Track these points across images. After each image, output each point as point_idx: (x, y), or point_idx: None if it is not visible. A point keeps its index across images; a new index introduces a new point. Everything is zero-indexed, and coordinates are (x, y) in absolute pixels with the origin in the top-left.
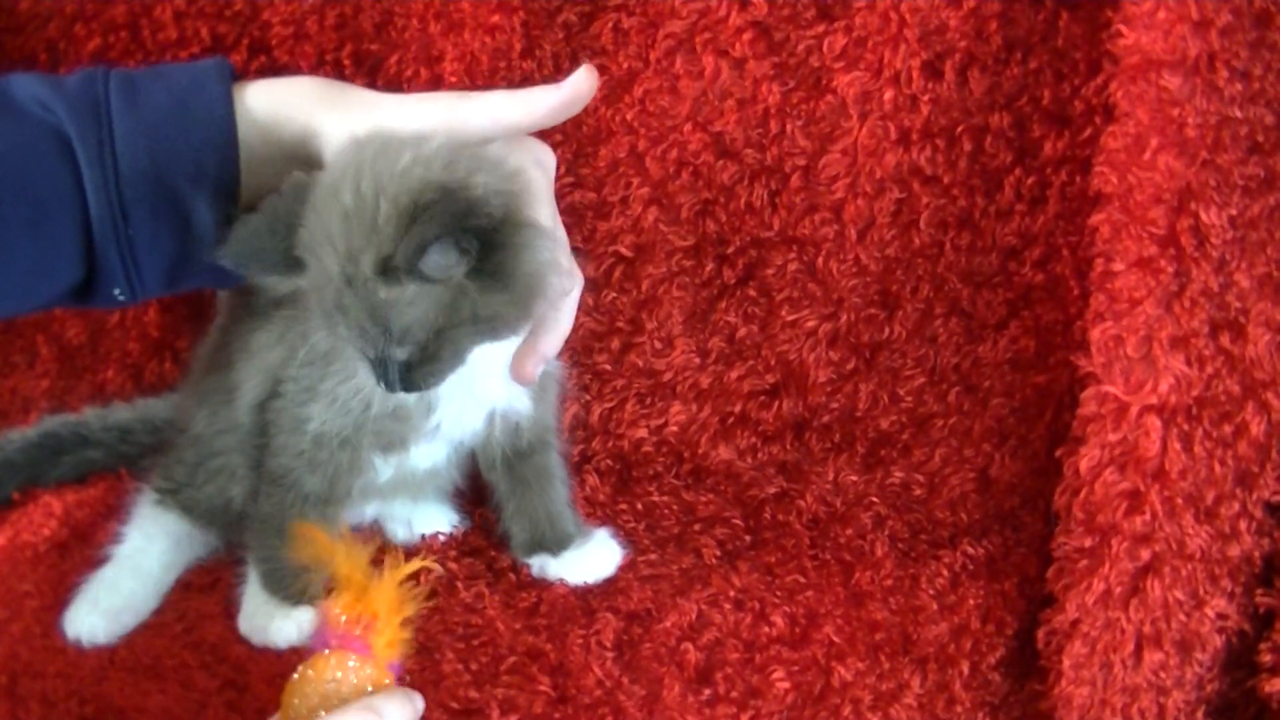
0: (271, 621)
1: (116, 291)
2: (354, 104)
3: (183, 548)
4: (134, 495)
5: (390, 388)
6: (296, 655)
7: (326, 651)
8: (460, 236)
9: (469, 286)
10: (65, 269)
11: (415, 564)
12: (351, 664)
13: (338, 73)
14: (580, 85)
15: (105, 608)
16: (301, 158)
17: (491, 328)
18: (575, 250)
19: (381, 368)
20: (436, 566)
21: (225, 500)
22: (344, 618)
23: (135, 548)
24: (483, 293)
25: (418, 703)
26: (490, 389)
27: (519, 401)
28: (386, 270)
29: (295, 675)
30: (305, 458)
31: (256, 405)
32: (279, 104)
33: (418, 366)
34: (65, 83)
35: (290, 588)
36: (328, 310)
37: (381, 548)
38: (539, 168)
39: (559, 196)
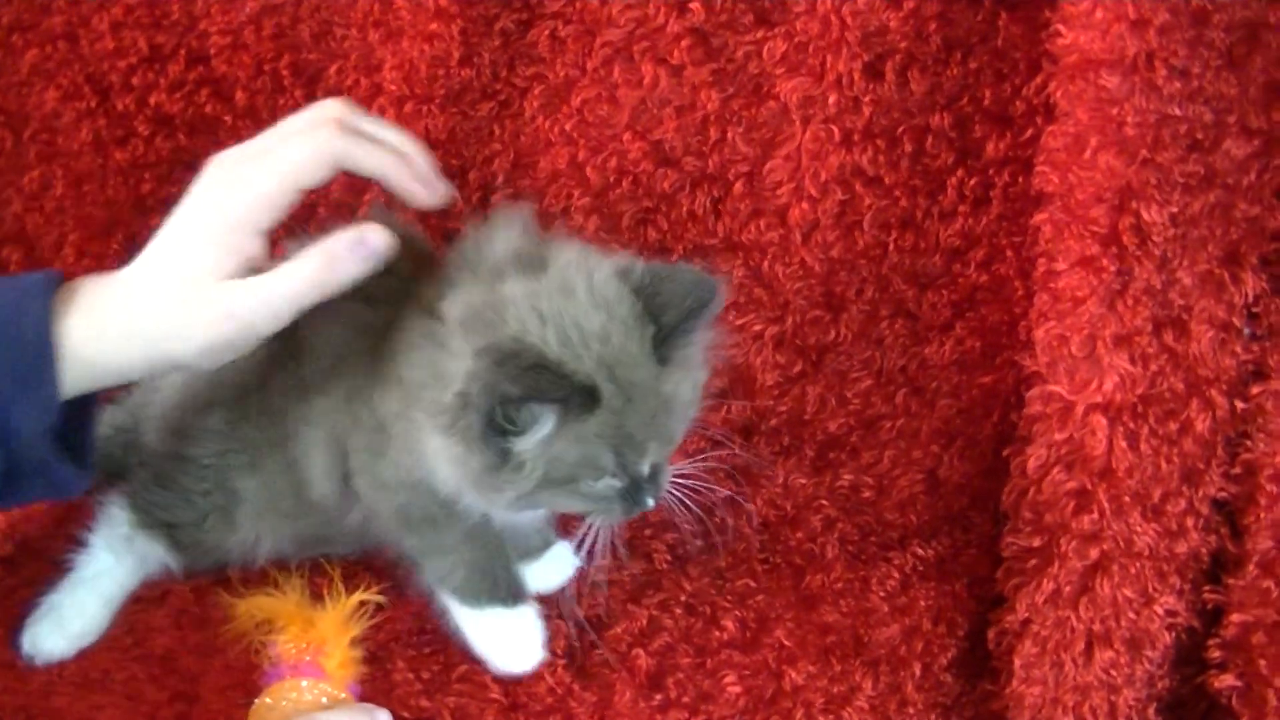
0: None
1: None
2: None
3: (147, 566)
4: (102, 510)
5: (643, 505)
6: (244, 666)
7: (282, 679)
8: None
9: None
10: None
11: (357, 596)
12: (305, 684)
13: (275, 83)
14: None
15: (70, 631)
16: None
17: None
18: None
19: (633, 488)
20: (378, 598)
21: (224, 542)
22: (292, 648)
23: (103, 568)
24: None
25: (380, 718)
26: None
27: None
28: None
29: (255, 704)
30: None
31: (332, 476)
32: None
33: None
34: None
35: (490, 584)
36: (598, 450)
37: (320, 581)
38: None
39: (498, 206)
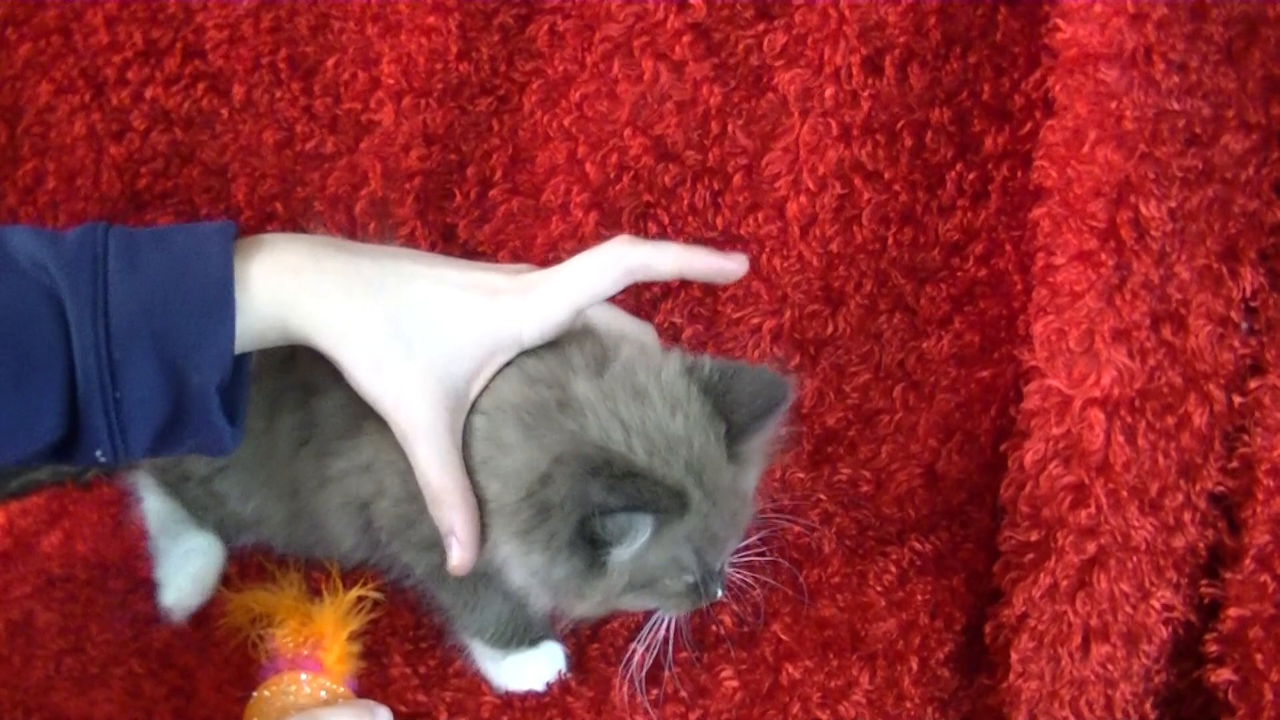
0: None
1: (98, 452)
2: (383, 287)
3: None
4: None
5: (712, 597)
6: (241, 661)
7: (280, 673)
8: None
9: None
10: (45, 427)
11: (355, 591)
12: (304, 678)
13: (273, 76)
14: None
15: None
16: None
17: None
18: None
19: (705, 581)
20: (377, 594)
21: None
22: (291, 643)
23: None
24: None
25: (380, 714)
26: None
27: None
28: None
29: (253, 697)
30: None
31: (350, 531)
32: (287, 292)
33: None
34: (62, 240)
35: (519, 633)
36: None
37: (318, 576)
38: None
39: (496, 203)
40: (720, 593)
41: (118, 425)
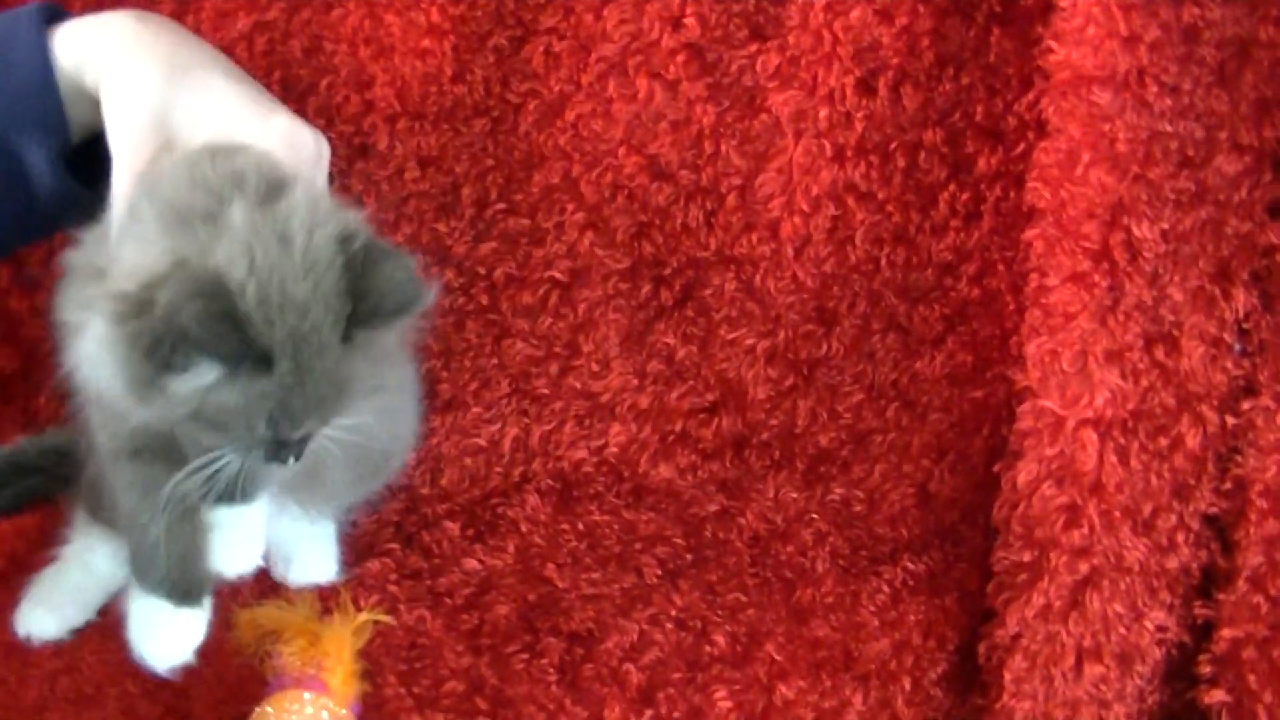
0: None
1: None
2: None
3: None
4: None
5: (282, 463)
6: (236, 680)
7: (285, 690)
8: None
9: None
10: None
11: (365, 615)
12: (307, 697)
13: None
14: None
15: (51, 602)
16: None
17: None
18: None
19: (278, 446)
20: (388, 619)
21: None
22: (297, 661)
23: (80, 546)
24: None
25: None
26: None
27: None
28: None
29: (254, 712)
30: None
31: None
32: (84, 52)
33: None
34: None
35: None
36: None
37: (328, 595)
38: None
39: (492, 223)
40: (292, 461)
41: None
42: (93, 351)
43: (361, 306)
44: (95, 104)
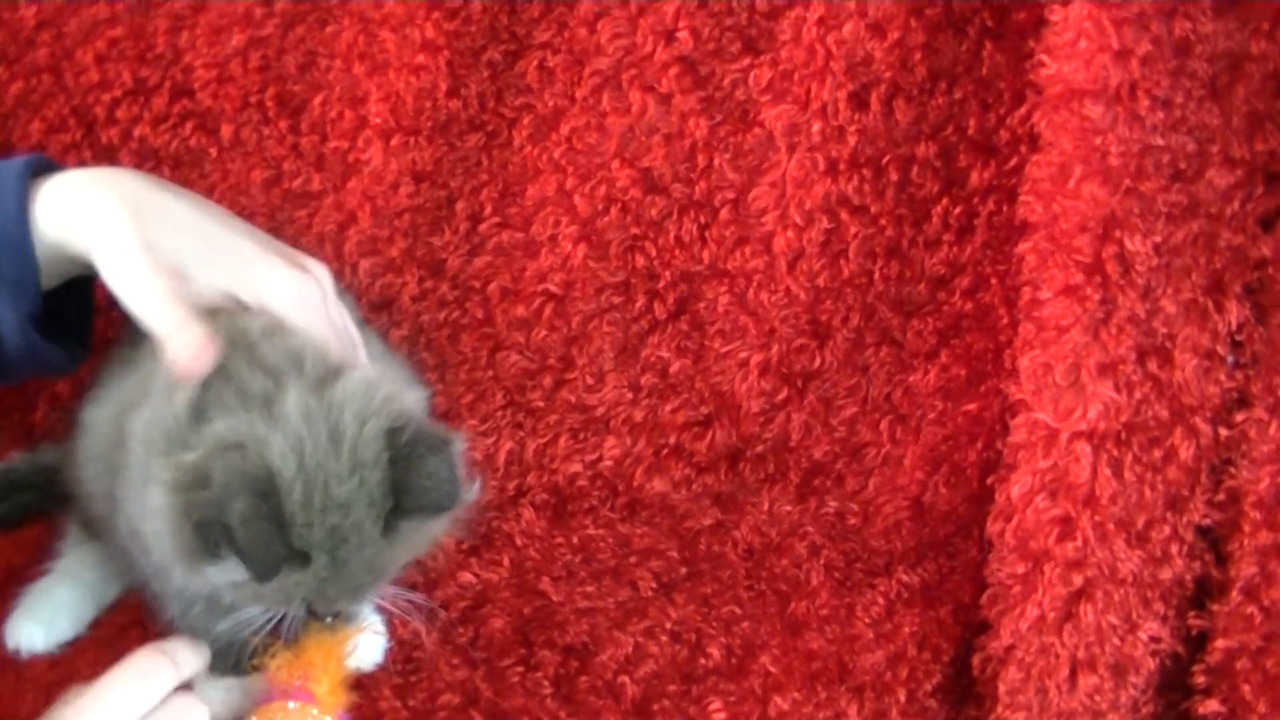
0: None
1: None
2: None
3: (118, 569)
4: (66, 520)
5: (322, 619)
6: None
7: (271, 701)
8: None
9: None
10: None
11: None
12: (292, 706)
13: (261, 115)
14: None
15: (41, 616)
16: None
17: None
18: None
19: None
20: (378, 631)
21: None
22: (284, 672)
23: (72, 560)
24: None
25: None
26: None
27: None
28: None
29: None
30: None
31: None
32: (69, 222)
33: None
34: None
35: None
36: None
37: None
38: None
39: (486, 237)
40: (330, 620)
41: None
42: (155, 507)
43: (403, 503)
44: (74, 260)
